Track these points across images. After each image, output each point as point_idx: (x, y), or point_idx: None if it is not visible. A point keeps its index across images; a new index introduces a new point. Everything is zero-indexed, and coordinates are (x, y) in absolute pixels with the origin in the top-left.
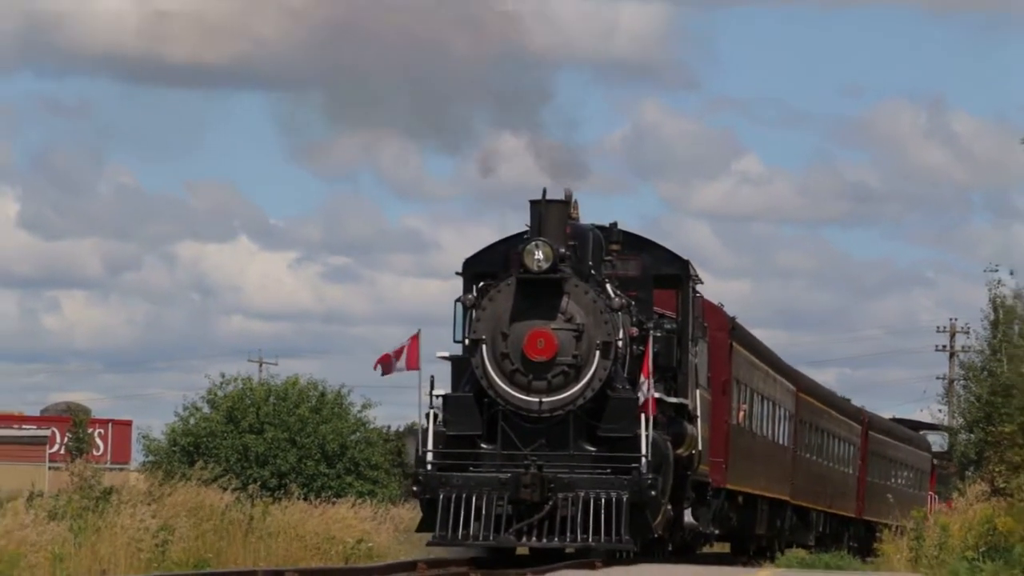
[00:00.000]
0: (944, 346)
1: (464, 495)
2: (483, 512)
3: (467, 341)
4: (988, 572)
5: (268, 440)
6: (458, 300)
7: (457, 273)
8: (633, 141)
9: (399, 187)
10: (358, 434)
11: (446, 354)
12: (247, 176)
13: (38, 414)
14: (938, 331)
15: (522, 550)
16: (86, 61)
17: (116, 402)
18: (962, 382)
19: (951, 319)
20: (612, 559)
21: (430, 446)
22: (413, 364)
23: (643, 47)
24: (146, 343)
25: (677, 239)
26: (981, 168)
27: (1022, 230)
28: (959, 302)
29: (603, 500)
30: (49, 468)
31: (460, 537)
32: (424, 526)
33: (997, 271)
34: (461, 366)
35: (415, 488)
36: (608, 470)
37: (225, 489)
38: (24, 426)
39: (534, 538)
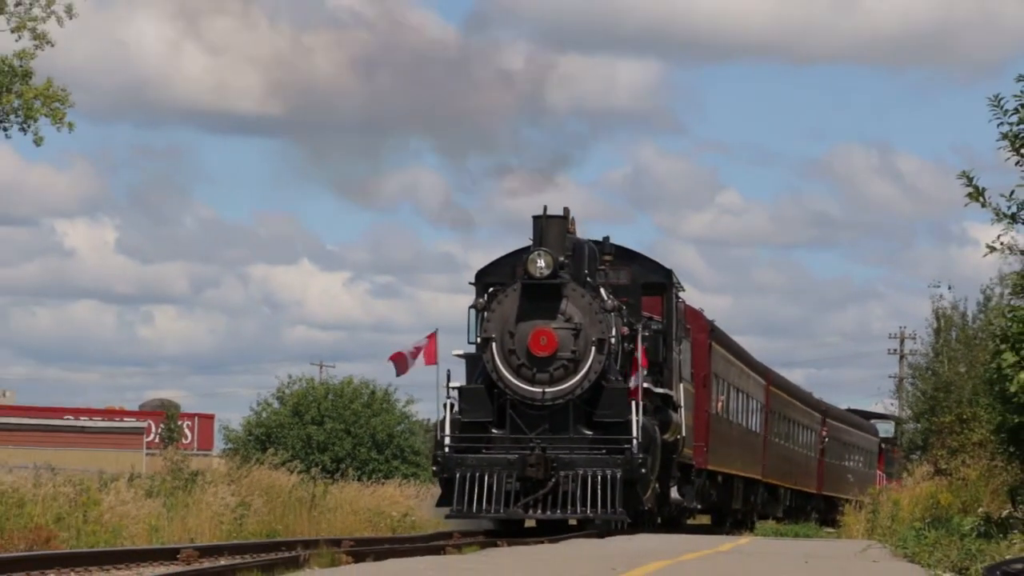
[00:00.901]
0: (895, 350)
1: (478, 474)
2: (494, 488)
3: (479, 339)
4: (931, 539)
5: (327, 430)
6: (472, 307)
7: (470, 283)
8: (632, 178)
9: (433, 217)
10: (403, 425)
11: (461, 352)
12: (307, 209)
13: (136, 409)
14: (890, 337)
15: (529, 521)
16: (174, 114)
17: (201, 399)
18: (910, 380)
19: (901, 327)
20: (607, 530)
21: (447, 431)
22: (432, 360)
23: (639, 99)
24: (225, 349)
25: (669, 260)
26: (923, 200)
27: (958, 252)
28: (905, 313)
29: (599, 477)
30: (146, 454)
31: (475, 511)
32: (443, 501)
33: (939, 287)
34: (474, 362)
35: (435, 468)
36: (603, 451)
37: (292, 472)
38: (125, 419)
39: (539, 511)
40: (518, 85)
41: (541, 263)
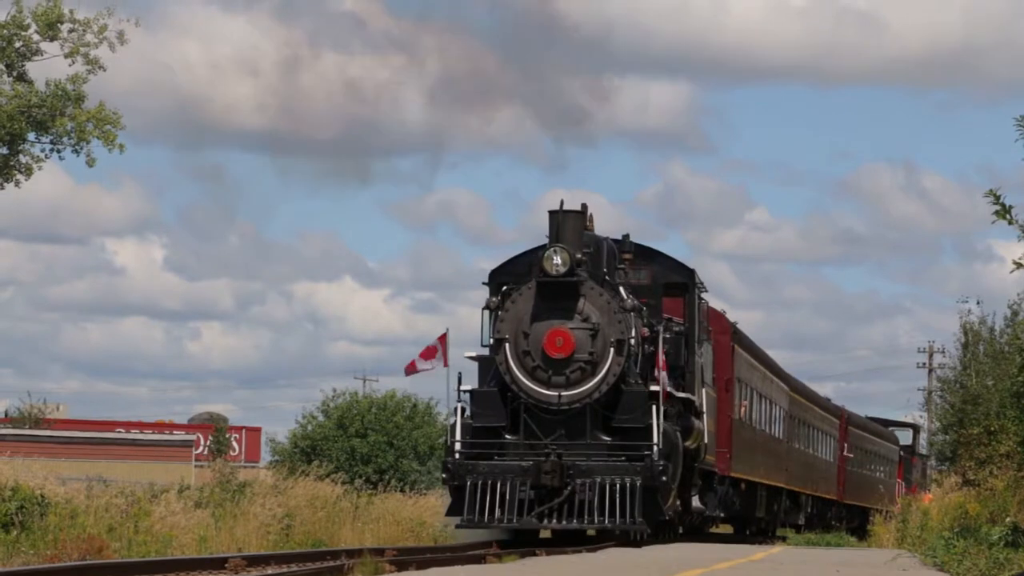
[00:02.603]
0: (923, 363)
1: (490, 481)
2: (507, 497)
3: (492, 340)
4: (960, 548)
5: (371, 443)
6: (485, 307)
7: (484, 283)
8: (663, 196)
9: (471, 235)
10: (444, 438)
11: (473, 354)
12: (349, 228)
13: (185, 422)
14: (918, 351)
15: (544, 532)
16: (219, 135)
17: (247, 412)
18: (938, 393)
19: (930, 341)
20: (627, 540)
21: (458, 437)
22: (443, 362)
23: (671, 119)
24: (270, 364)
25: (701, 275)
26: (948, 217)
27: (983, 269)
28: (931, 327)
29: (618, 485)
30: (195, 466)
31: (486, 520)
32: (453, 510)
33: (967, 302)
34: (487, 365)
35: (444, 475)
36: (622, 457)
37: (336, 483)
38: (174, 432)
39: (555, 520)
40: (557, 104)
41: (557, 260)
